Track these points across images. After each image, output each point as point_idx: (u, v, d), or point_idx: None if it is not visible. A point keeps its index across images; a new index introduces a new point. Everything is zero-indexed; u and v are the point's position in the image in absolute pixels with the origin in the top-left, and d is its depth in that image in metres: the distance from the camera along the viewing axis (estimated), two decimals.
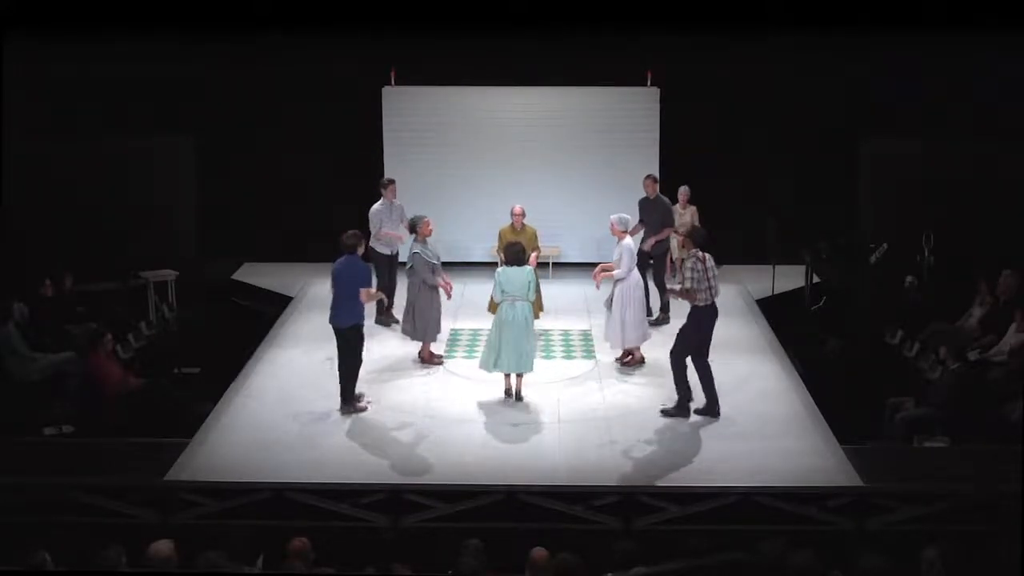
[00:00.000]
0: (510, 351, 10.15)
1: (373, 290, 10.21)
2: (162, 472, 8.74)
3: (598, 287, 11.34)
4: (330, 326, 10.12)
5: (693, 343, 9.86)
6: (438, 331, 11.26)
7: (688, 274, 9.69)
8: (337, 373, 10.15)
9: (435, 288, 11.01)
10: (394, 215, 12.29)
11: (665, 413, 9.96)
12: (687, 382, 9.92)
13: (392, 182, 12.52)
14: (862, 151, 15.10)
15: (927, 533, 7.56)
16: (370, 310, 12.16)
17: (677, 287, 10.01)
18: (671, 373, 10.02)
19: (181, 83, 14.23)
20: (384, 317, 12.33)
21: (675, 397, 10.02)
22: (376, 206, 12.45)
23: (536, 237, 12.16)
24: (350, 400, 10.08)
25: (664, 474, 8.90)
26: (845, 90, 14.32)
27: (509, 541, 7.29)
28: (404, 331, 11.24)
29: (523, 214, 12.22)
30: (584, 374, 11.14)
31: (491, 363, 10.28)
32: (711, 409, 9.92)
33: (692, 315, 9.86)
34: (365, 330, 10.23)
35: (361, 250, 10.11)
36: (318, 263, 14.08)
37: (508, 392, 10.42)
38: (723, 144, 14.62)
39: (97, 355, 10.32)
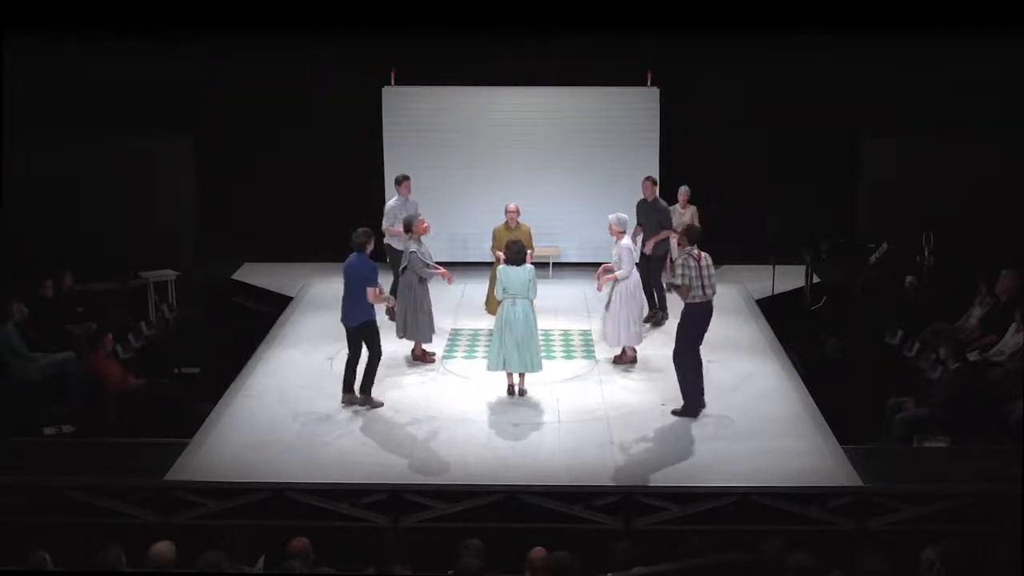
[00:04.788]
0: (516, 351, 10.16)
1: (379, 291, 10.18)
2: (162, 472, 8.74)
3: (600, 289, 11.32)
4: (335, 324, 10.15)
5: (691, 341, 9.88)
6: (433, 331, 11.24)
7: (680, 270, 9.75)
8: (344, 370, 10.20)
9: (427, 287, 11.00)
10: (409, 211, 12.22)
11: (675, 413, 9.98)
12: (689, 383, 9.92)
13: (407, 178, 12.50)
14: (862, 151, 15.10)
15: (927, 533, 7.55)
16: (380, 306, 12.19)
17: (674, 281, 10.05)
18: (671, 372, 10.04)
19: (181, 83, 14.23)
20: (393, 311, 12.33)
21: (676, 395, 10.04)
22: (391, 202, 12.47)
23: (531, 235, 12.16)
24: (369, 391, 10.16)
25: (664, 474, 8.90)
26: (845, 90, 14.31)
27: (509, 541, 7.29)
28: (397, 333, 11.23)
29: (518, 212, 12.22)
30: (584, 374, 11.14)
31: (499, 363, 10.30)
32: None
33: (686, 312, 9.89)
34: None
35: (370, 248, 10.10)
36: (318, 263, 14.12)
37: (511, 391, 10.44)
38: (723, 144, 14.62)
39: (97, 355, 10.31)
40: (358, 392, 10.19)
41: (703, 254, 9.82)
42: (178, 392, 10.71)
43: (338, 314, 10.22)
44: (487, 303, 12.50)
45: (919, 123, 14.08)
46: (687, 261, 9.72)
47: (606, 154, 14.91)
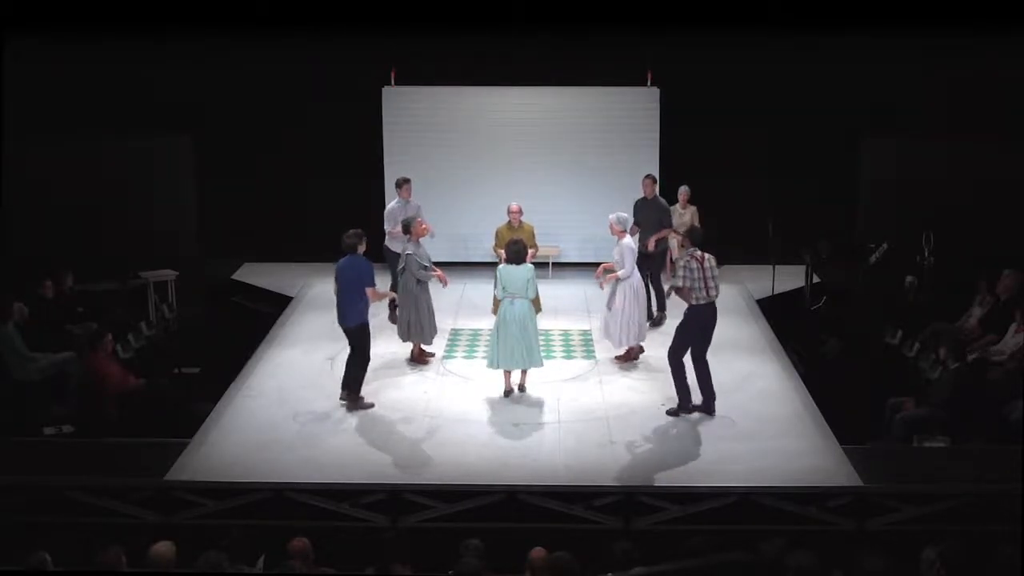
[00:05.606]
0: (509, 349, 10.18)
1: (379, 289, 10.17)
2: (162, 472, 8.74)
3: (603, 287, 11.34)
4: (335, 324, 10.17)
5: (689, 342, 9.87)
6: (434, 332, 11.24)
7: (681, 272, 9.73)
8: (343, 372, 10.17)
9: (427, 288, 11.00)
10: (410, 213, 12.20)
11: (670, 413, 9.97)
12: (686, 382, 9.93)
13: (407, 181, 12.50)
14: (862, 151, 15.09)
15: (927, 533, 7.55)
16: (383, 308, 12.19)
17: (675, 283, 10.00)
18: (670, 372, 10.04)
19: (181, 83, 14.22)
20: (395, 314, 12.34)
21: (675, 395, 10.04)
22: (392, 204, 12.48)
23: (533, 235, 12.16)
24: (357, 392, 10.13)
25: (664, 474, 8.90)
26: (845, 90, 14.31)
27: (509, 541, 7.29)
28: (400, 336, 11.24)
29: (520, 212, 12.22)
30: (584, 374, 11.14)
31: (498, 361, 10.31)
32: (707, 407, 9.94)
33: (688, 314, 9.88)
34: (376, 327, 10.28)
35: (362, 249, 10.10)
36: (318, 263, 14.09)
37: (508, 392, 10.43)
38: (723, 144, 14.62)
39: (97, 355, 10.31)
40: (347, 393, 10.16)
41: (706, 255, 9.79)
42: (178, 392, 10.71)
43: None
44: (495, 304, 12.50)
45: (919, 123, 14.08)
46: (689, 263, 9.70)
47: (606, 154, 14.91)
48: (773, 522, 8.33)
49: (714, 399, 9.95)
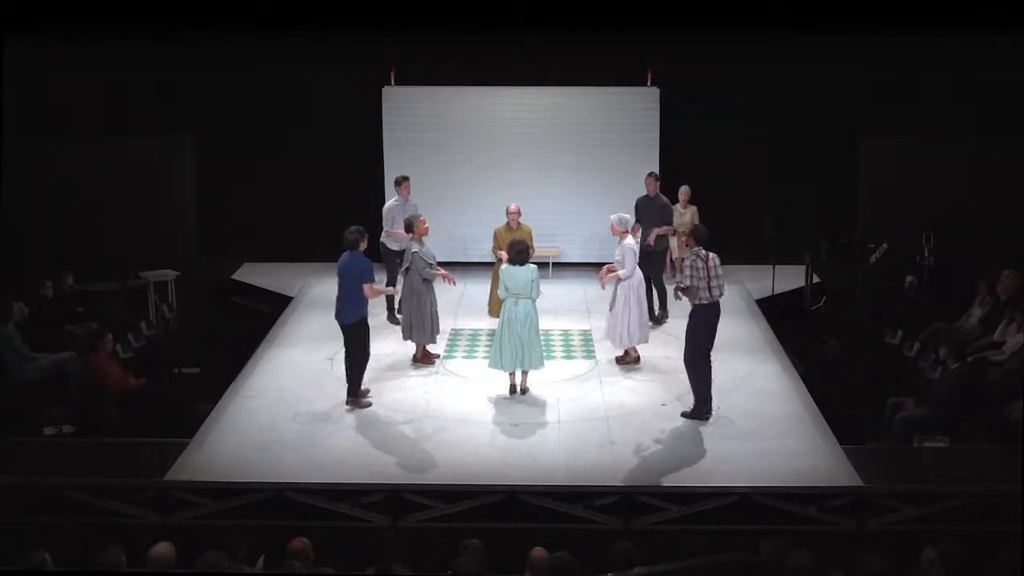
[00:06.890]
0: (513, 349, 10.18)
1: (376, 286, 10.17)
2: (162, 472, 8.74)
3: (603, 287, 11.35)
4: (335, 324, 10.16)
5: (700, 343, 9.80)
6: (437, 331, 11.24)
7: (688, 271, 9.68)
8: (344, 371, 10.18)
9: (431, 288, 11.00)
10: (408, 212, 12.19)
11: (685, 415, 9.92)
12: (701, 386, 9.88)
13: (406, 179, 12.53)
14: (862, 151, 15.09)
15: (927, 533, 7.56)
16: (382, 308, 12.18)
17: (681, 283, 9.93)
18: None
19: (181, 83, 14.22)
20: (393, 315, 12.33)
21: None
22: (390, 202, 12.50)
23: (532, 236, 12.15)
24: (356, 395, 10.12)
25: (664, 474, 8.90)
26: (845, 90, 14.31)
27: (509, 541, 7.29)
28: (403, 335, 11.24)
29: (519, 212, 12.21)
30: (584, 374, 11.14)
31: (501, 362, 10.32)
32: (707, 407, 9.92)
33: (693, 314, 9.83)
34: (376, 328, 10.27)
35: (363, 246, 10.11)
36: (318, 263, 14.11)
37: (512, 390, 10.44)
38: (723, 144, 14.62)
39: (97, 355, 10.31)
40: (355, 394, 10.16)
41: (711, 255, 9.74)
42: (178, 392, 10.71)
43: None
44: (490, 304, 12.50)
45: (919, 123, 14.08)
46: (695, 262, 9.66)
47: (606, 154, 14.91)
48: (773, 522, 8.32)
49: (710, 402, 9.93)
